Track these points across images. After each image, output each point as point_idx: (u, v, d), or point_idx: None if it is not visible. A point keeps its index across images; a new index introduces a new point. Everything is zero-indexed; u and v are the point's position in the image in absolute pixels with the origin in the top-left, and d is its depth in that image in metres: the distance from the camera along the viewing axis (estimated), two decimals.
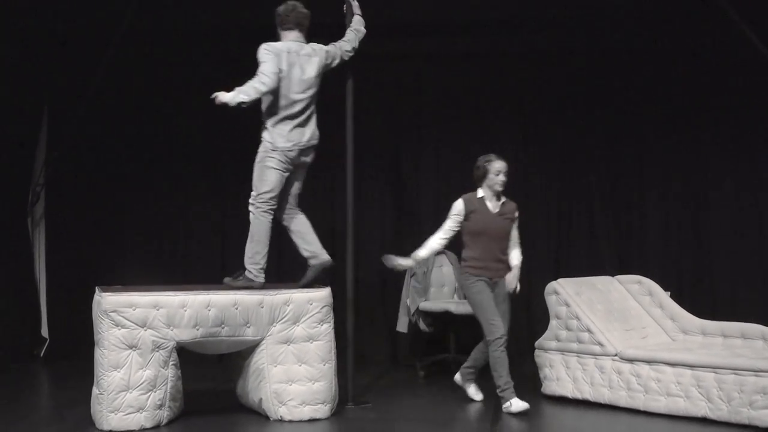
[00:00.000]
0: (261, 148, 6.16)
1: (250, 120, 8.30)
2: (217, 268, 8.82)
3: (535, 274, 8.40)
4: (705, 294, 8.25)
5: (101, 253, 8.87)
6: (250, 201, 6.15)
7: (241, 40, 8.45)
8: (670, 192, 8.55)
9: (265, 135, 6.15)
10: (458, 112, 8.76)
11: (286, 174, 6.18)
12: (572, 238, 8.57)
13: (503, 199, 6.50)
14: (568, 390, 6.69)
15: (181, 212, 9.07)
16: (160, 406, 5.80)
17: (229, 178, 8.90)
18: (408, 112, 8.82)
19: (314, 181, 8.65)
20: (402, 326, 8.11)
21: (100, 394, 5.71)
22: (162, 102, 8.96)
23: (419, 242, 6.61)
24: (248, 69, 7.74)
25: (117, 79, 8.61)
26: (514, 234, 6.51)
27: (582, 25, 8.25)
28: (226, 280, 6.20)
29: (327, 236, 8.61)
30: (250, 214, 6.15)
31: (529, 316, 8.56)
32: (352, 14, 6.61)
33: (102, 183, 8.94)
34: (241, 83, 6.03)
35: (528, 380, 7.22)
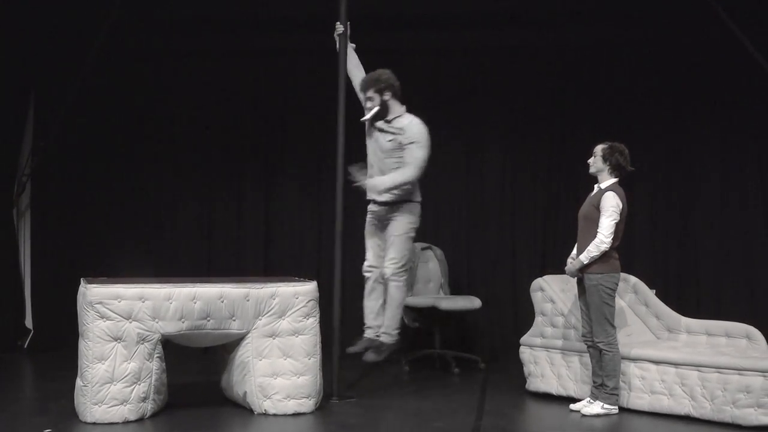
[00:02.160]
0: (407, 220, 6.22)
1: (240, 113, 8.35)
2: (204, 261, 8.85)
3: (521, 271, 8.49)
4: (690, 292, 8.29)
5: (87, 245, 8.87)
6: (395, 271, 6.20)
7: (232, 31, 8.62)
8: (658, 189, 8.59)
9: (415, 209, 6.23)
10: (449, 106, 8.79)
11: None
12: (559, 234, 8.55)
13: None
14: (553, 387, 6.70)
15: (169, 205, 9.08)
16: (145, 399, 5.78)
17: (218, 171, 8.93)
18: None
19: (302, 176, 8.89)
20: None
21: (84, 386, 5.69)
22: (151, 92, 8.94)
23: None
24: (239, 60, 7.74)
25: (106, 68, 8.57)
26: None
27: (574, 21, 8.31)
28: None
29: (314, 230, 8.80)
30: (395, 283, 6.21)
31: (514, 313, 8.61)
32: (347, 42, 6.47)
33: (89, 174, 8.92)
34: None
35: (512, 377, 7.26)
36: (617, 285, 6.18)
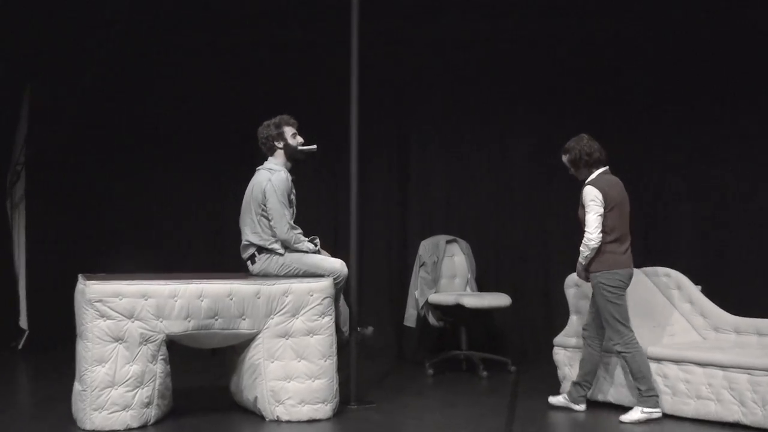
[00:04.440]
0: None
1: (242, 104, 8.28)
2: (212, 255, 8.84)
3: (555, 265, 8.40)
4: (738, 289, 8.15)
5: (85, 238, 8.91)
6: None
7: (227, 25, 8.74)
8: (700, 178, 8.52)
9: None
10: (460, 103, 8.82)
11: None
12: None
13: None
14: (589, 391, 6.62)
15: (173, 195, 9.11)
16: (148, 404, 5.79)
17: (227, 157, 8.93)
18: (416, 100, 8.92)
19: (319, 173, 8.90)
20: (410, 320, 8.14)
21: (83, 390, 5.70)
22: (151, 80, 8.99)
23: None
24: (232, 54, 7.76)
25: (103, 56, 8.61)
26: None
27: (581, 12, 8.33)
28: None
29: (331, 221, 8.77)
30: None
31: (547, 311, 8.57)
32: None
33: (87, 163, 8.95)
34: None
35: (545, 380, 7.23)
36: (623, 282, 6.22)
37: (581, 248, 6.20)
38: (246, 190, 6.39)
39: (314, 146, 6.50)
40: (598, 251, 6.17)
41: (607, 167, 6.33)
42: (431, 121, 8.94)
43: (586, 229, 6.17)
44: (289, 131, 6.48)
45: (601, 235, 6.14)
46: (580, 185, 6.32)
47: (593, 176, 6.27)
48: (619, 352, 6.19)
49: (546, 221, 8.76)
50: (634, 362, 6.14)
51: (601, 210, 6.16)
